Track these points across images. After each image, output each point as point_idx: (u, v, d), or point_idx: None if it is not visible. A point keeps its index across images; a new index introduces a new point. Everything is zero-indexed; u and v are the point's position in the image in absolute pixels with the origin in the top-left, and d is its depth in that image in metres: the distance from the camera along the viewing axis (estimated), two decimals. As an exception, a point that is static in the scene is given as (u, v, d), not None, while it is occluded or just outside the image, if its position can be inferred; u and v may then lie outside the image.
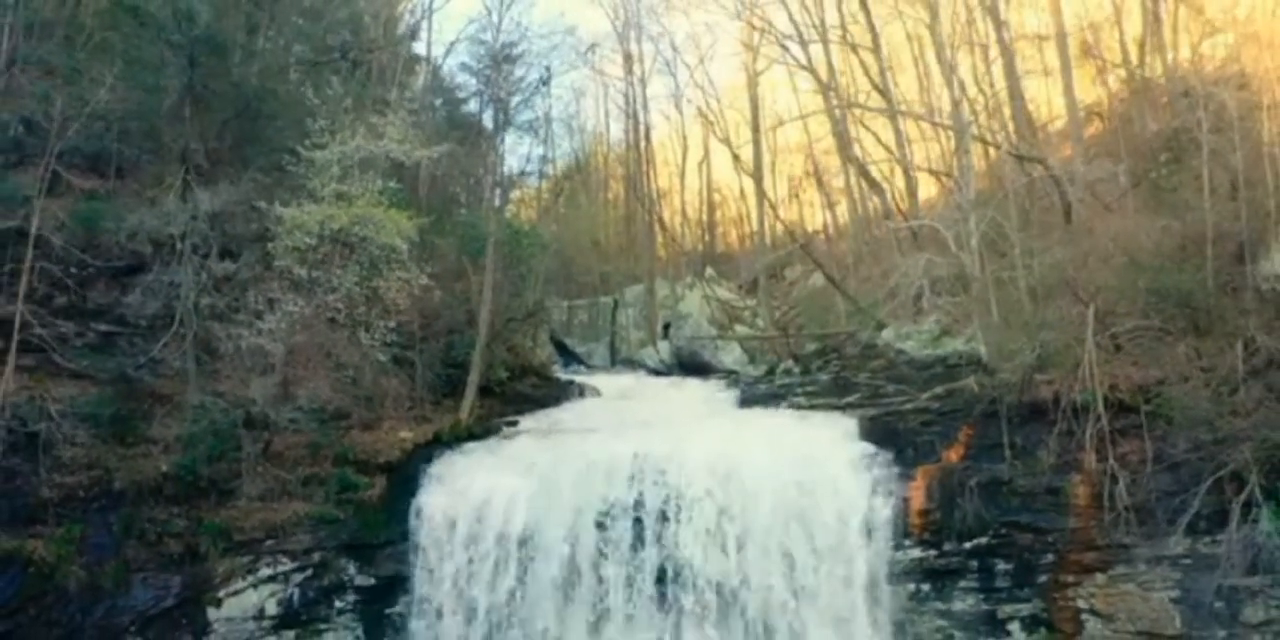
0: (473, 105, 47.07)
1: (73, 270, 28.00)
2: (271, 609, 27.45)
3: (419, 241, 30.52)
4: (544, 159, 56.82)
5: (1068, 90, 39.99)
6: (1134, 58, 38.21)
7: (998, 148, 37.07)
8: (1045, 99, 46.77)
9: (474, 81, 43.84)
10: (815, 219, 62.68)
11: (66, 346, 27.84)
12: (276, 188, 30.00)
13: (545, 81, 42.06)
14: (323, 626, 27.87)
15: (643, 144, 61.73)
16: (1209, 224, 26.67)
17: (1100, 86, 40.93)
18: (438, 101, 40.84)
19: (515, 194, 52.15)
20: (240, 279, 29.17)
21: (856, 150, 46.26)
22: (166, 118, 29.70)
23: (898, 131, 42.95)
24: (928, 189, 45.67)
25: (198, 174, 28.76)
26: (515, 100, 40.17)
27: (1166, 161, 31.75)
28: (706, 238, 67.64)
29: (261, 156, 31.25)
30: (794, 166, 62.23)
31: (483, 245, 33.20)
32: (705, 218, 68.07)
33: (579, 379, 40.99)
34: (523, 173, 48.58)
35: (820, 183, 57.40)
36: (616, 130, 70.29)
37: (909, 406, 29.83)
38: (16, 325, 26.08)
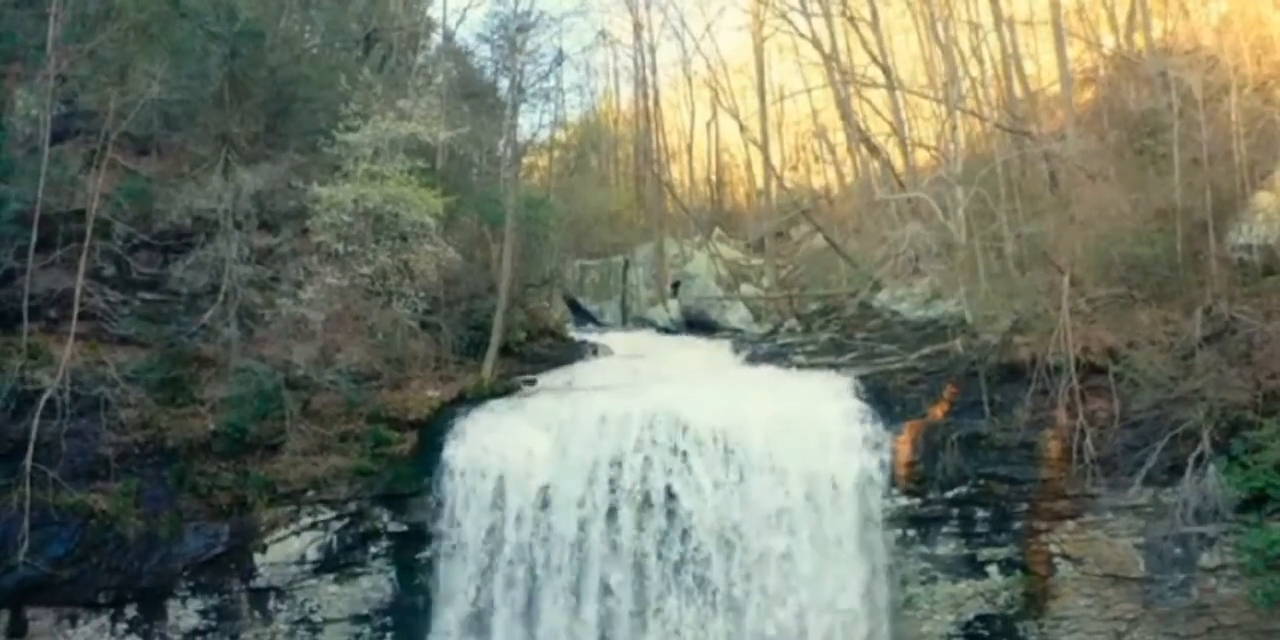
0: (487, 70, 48.31)
1: (119, 243, 29.38)
2: (312, 554, 29.04)
3: (442, 213, 31.75)
4: (555, 122, 57.91)
5: (1060, 57, 40.97)
6: (1121, 32, 39.29)
7: (987, 122, 38.25)
8: (1041, 60, 47.61)
9: (488, 49, 44.92)
10: (821, 178, 63.61)
11: (117, 315, 29.29)
12: (311, 167, 31.22)
13: (559, 62, 43.26)
14: (359, 570, 29.44)
15: (651, 108, 62.46)
16: (1178, 198, 28.02)
17: (1094, 55, 41.88)
18: (449, 64, 41.54)
19: (526, 160, 53.30)
20: (280, 252, 30.53)
21: (858, 118, 47.19)
22: (208, 102, 31.03)
23: (895, 104, 44.11)
24: (927, 153, 46.79)
25: (238, 154, 30.20)
26: (529, 70, 41.46)
27: (1147, 134, 33.12)
28: (715, 197, 68.35)
29: (296, 138, 32.43)
30: (800, 127, 63.06)
31: (501, 215, 34.27)
32: (714, 177, 68.84)
33: (592, 338, 41.57)
34: (533, 140, 49.52)
35: (826, 142, 58.51)
36: (626, 94, 71.04)
37: (898, 366, 31.24)
38: (76, 299, 27.68)
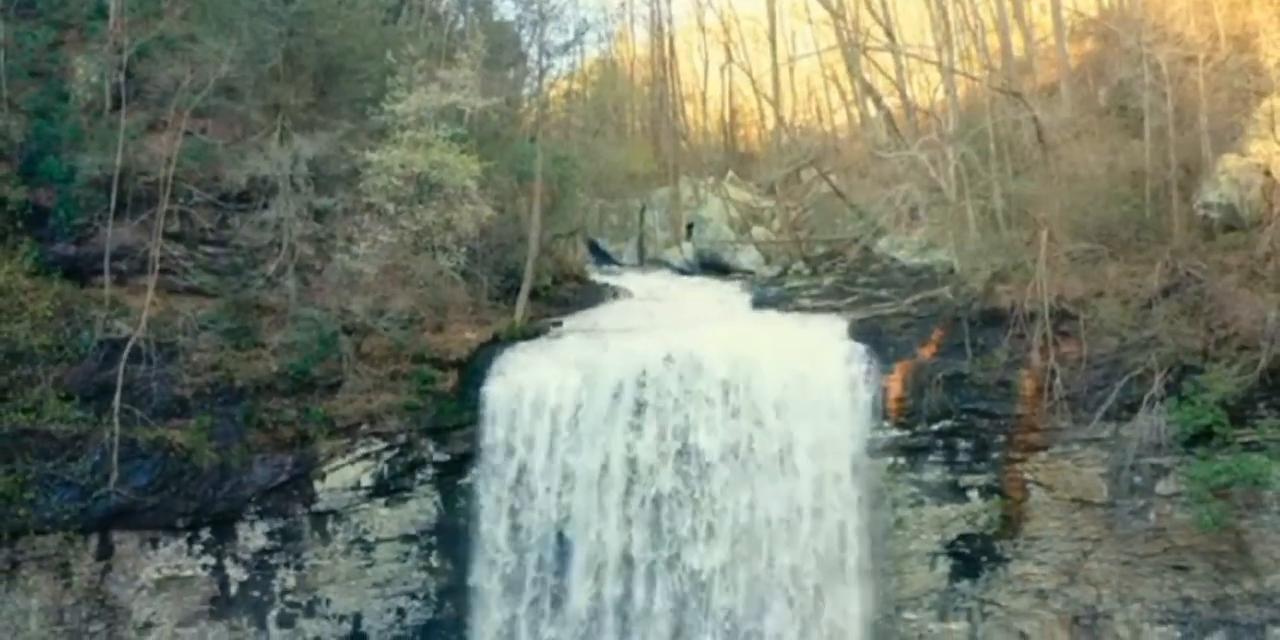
0: (509, 19, 50.00)
1: (183, 202, 31.80)
2: (366, 481, 31.56)
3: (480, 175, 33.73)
4: (574, 73, 59.29)
5: (1055, 19, 42.59)
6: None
7: (980, 83, 40.09)
8: (1039, 11, 49.08)
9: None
10: (831, 119, 65.37)
11: (186, 269, 31.96)
12: (360, 133, 33.40)
13: (582, 33, 45.02)
14: (407, 495, 31.97)
15: (667, 56, 64.24)
16: (1147, 162, 30.40)
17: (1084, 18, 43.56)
18: (481, 34, 43.39)
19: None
20: (334, 211, 32.92)
21: (865, 74, 48.85)
22: (265, 75, 33.23)
23: (898, 62, 45.95)
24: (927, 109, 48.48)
25: (292, 122, 32.45)
26: (551, 27, 43.17)
27: (1128, 95, 35.07)
28: (728, 140, 69.62)
29: (346, 106, 34.51)
30: (810, 78, 64.84)
31: (530, 172, 36.35)
32: (727, 120, 70.14)
33: (612, 281, 43.24)
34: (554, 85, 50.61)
35: (836, 86, 60.06)
36: (642, 42, 72.37)
37: (893, 310, 33.47)
38: (154, 256, 30.46)
